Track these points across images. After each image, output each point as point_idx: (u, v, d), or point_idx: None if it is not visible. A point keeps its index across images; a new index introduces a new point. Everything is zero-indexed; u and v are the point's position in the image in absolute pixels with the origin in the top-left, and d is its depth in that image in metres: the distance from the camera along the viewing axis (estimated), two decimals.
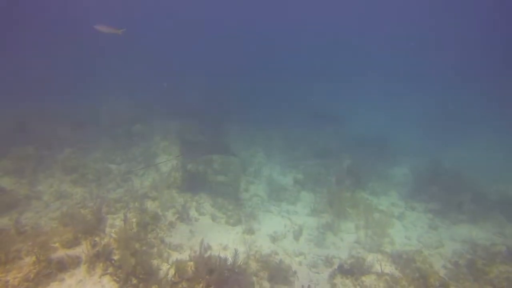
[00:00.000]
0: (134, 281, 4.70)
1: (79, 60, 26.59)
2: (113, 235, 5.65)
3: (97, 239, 5.54)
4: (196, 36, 44.00)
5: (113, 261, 4.93)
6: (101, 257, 4.99)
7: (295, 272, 5.90)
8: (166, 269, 5.11)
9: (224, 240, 6.69)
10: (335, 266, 6.08)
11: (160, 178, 8.85)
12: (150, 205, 7.56)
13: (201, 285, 4.68)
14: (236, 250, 5.21)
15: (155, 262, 5.35)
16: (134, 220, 6.38)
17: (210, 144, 11.04)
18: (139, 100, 16.51)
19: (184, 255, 5.75)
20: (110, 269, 4.84)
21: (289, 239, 7.18)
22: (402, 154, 13.57)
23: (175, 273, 4.88)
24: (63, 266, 4.80)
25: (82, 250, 5.11)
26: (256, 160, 11.68)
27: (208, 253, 5.78)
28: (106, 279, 4.71)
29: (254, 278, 5.46)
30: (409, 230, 8.08)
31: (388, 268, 6.23)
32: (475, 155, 14.50)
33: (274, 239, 7.00)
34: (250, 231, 7.06)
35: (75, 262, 4.92)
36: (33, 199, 7.20)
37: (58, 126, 11.51)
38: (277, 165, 11.55)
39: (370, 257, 6.55)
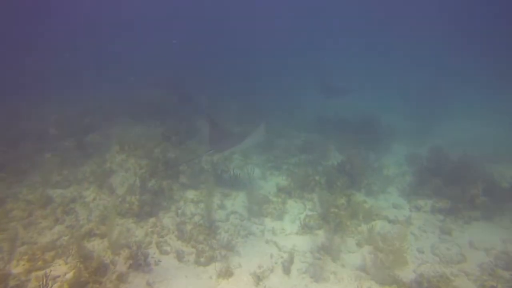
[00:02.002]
0: None
1: None
2: None
3: None
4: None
5: None
6: None
7: None
8: None
9: None
10: None
11: (113, 204, 6.94)
12: (97, 246, 5.69)
13: None
14: None
15: None
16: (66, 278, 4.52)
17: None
18: (98, 100, 14.30)
19: None
20: None
21: (278, 274, 5.52)
22: (393, 138, 12.09)
23: None
24: None
25: None
26: (231, 164, 9.88)
27: None
28: None
29: None
30: (419, 239, 6.59)
31: None
32: (474, 131, 13.27)
33: (259, 278, 5.30)
34: (227, 272, 5.34)
35: None
36: None
37: None
38: (257, 168, 9.79)
39: None
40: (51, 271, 4.88)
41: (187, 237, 6.20)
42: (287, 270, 5.55)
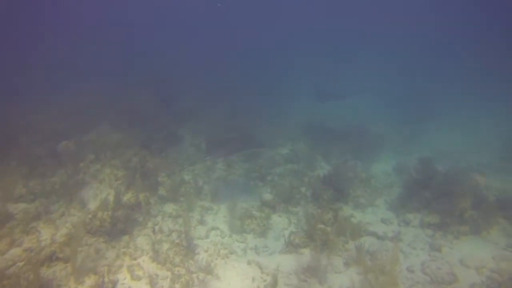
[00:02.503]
0: None
1: None
2: None
3: None
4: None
5: None
6: None
7: None
8: None
9: None
10: None
11: (83, 221, 6.33)
12: (59, 273, 5.09)
13: None
14: None
15: None
16: None
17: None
18: (76, 103, 13.52)
19: None
20: None
21: None
22: (381, 145, 11.83)
23: None
24: None
25: None
26: (214, 175, 9.40)
27: None
28: None
29: None
30: (409, 256, 6.26)
31: None
32: (460, 138, 13.19)
33: None
34: None
35: None
36: None
37: None
38: (240, 179, 9.33)
39: None
40: None
41: (163, 259, 5.67)
42: None
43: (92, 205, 7.01)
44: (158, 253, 5.79)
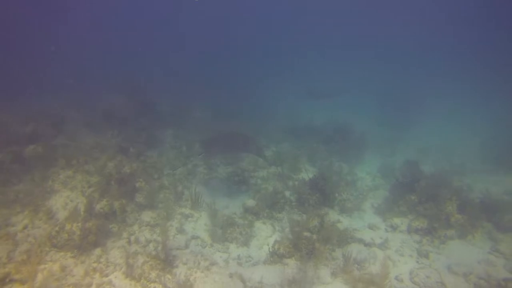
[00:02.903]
0: None
1: None
2: None
3: None
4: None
5: None
6: None
7: None
8: None
9: None
10: None
11: (48, 235, 5.74)
12: None
13: None
14: None
15: None
16: None
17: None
18: (50, 103, 12.70)
19: None
20: None
21: None
22: (366, 146, 11.68)
23: None
24: None
25: None
26: (195, 179, 8.94)
27: None
28: None
29: None
30: (397, 264, 6.04)
31: None
32: (442, 138, 13.22)
33: None
34: None
35: None
36: None
37: None
38: (221, 183, 8.92)
39: None
40: None
41: (137, 274, 5.19)
42: None
43: (61, 215, 6.42)
44: (133, 268, 5.30)
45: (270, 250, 6.07)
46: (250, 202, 7.36)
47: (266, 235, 6.80)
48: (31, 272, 4.55)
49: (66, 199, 6.88)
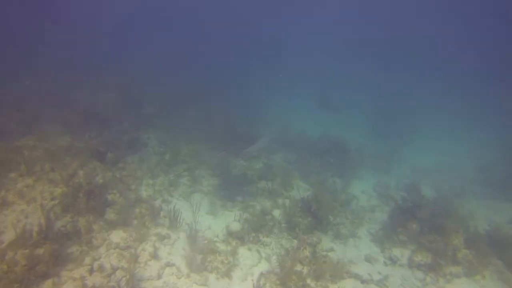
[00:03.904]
0: None
1: None
2: None
3: None
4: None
5: None
6: None
7: None
8: None
9: None
10: None
11: None
12: None
13: None
14: None
15: None
16: None
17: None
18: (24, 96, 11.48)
19: None
20: None
21: None
22: (360, 162, 10.87)
23: None
24: None
25: None
26: (176, 192, 7.98)
27: None
28: None
29: None
30: None
31: None
32: (438, 154, 12.54)
33: None
34: None
35: None
36: None
37: None
38: (206, 198, 7.98)
39: None
40: None
41: None
42: None
43: (8, 237, 5.36)
44: None
45: (255, 285, 5.16)
46: (235, 226, 6.42)
47: (251, 264, 5.89)
48: None
49: (19, 214, 5.82)
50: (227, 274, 5.51)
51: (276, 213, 7.50)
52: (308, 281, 5.24)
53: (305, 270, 5.43)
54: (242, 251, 6.12)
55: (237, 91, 19.58)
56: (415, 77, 31.00)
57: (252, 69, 28.55)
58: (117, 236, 5.99)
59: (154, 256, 5.71)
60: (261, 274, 5.39)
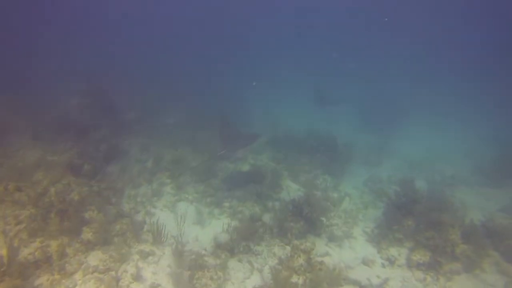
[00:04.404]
0: None
1: None
2: None
3: None
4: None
5: None
6: None
7: None
8: None
9: None
10: None
11: None
12: None
13: None
14: None
15: None
16: None
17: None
18: None
19: None
20: None
21: None
22: (350, 156, 10.53)
23: None
24: None
25: None
26: (160, 202, 7.44)
27: None
28: None
29: None
30: None
31: None
32: (427, 144, 12.35)
33: None
34: None
35: None
36: None
37: None
38: (192, 206, 7.47)
39: None
40: None
41: None
42: None
43: None
44: None
45: None
46: (223, 237, 5.96)
47: (243, 277, 5.46)
48: None
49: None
50: None
51: (267, 217, 7.08)
52: None
53: (300, 281, 5.02)
54: (233, 264, 5.67)
55: (224, 91, 19.01)
56: (410, 74, 31.03)
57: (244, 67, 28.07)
58: (95, 258, 5.43)
59: (137, 277, 5.20)
60: (253, 281, 4.97)
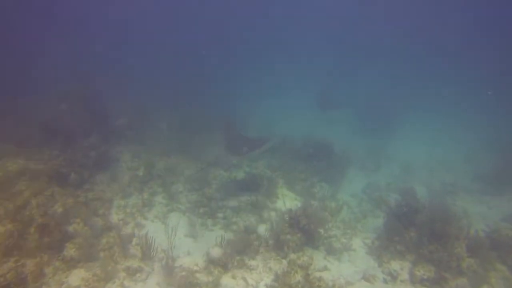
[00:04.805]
0: None
1: None
2: None
3: None
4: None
5: None
6: None
7: None
8: None
9: None
10: None
11: None
12: None
13: None
14: None
15: None
16: None
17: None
18: None
19: None
20: None
21: None
22: (347, 163, 10.16)
23: None
24: None
25: None
26: (150, 213, 7.04)
27: None
28: None
29: None
30: None
31: None
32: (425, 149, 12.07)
33: None
34: None
35: None
36: None
37: None
38: (184, 216, 7.07)
39: None
40: None
41: None
42: None
43: None
44: None
45: None
46: (216, 251, 5.55)
47: None
48: None
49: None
50: None
51: (262, 228, 6.70)
52: None
53: None
54: (226, 280, 5.27)
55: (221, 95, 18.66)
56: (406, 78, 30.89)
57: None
58: (77, 277, 5.02)
59: None
60: None
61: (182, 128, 12.26)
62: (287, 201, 7.84)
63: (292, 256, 5.75)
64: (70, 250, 5.36)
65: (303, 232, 6.03)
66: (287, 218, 6.25)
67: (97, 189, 7.58)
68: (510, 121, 16.55)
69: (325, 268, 5.69)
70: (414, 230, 6.11)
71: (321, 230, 6.41)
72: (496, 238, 6.07)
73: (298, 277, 5.04)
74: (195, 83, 18.88)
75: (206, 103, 15.51)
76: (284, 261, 5.70)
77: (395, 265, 5.73)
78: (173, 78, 19.56)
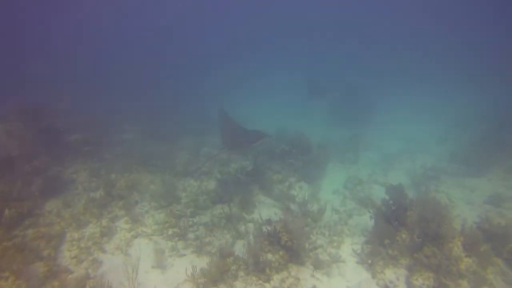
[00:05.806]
0: None
1: None
2: None
3: None
4: None
5: None
6: None
7: None
8: None
9: None
10: None
11: None
12: None
13: None
14: None
15: None
16: None
17: None
18: None
19: None
20: None
21: None
22: (326, 156, 9.43)
23: None
24: None
25: None
26: (111, 243, 5.93)
27: None
28: None
29: None
30: None
31: None
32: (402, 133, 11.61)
33: None
34: None
35: None
36: None
37: None
38: (150, 243, 6.01)
39: None
40: None
41: None
42: None
43: None
44: None
45: None
46: (188, 286, 4.57)
47: None
48: None
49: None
50: None
51: (239, 244, 5.82)
52: None
53: None
54: None
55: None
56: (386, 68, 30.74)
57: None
58: None
59: None
60: None
61: (146, 137, 11.06)
62: (264, 208, 6.98)
63: (276, 277, 4.93)
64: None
65: (286, 249, 5.19)
66: (266, 233, 5.38)
67: (43, 222, 6.34)
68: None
69: (314, 287, 4.91)
70: (405, 231, 5.43)
71: (306, 244, 5.61)
72: (487, 229, 5.54)
73: None
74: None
75: (170, 106, 14.49)
76: (268, 285, 4.87)
77: (390, 274, 5.04)
78: (138, 85, 18.13)
